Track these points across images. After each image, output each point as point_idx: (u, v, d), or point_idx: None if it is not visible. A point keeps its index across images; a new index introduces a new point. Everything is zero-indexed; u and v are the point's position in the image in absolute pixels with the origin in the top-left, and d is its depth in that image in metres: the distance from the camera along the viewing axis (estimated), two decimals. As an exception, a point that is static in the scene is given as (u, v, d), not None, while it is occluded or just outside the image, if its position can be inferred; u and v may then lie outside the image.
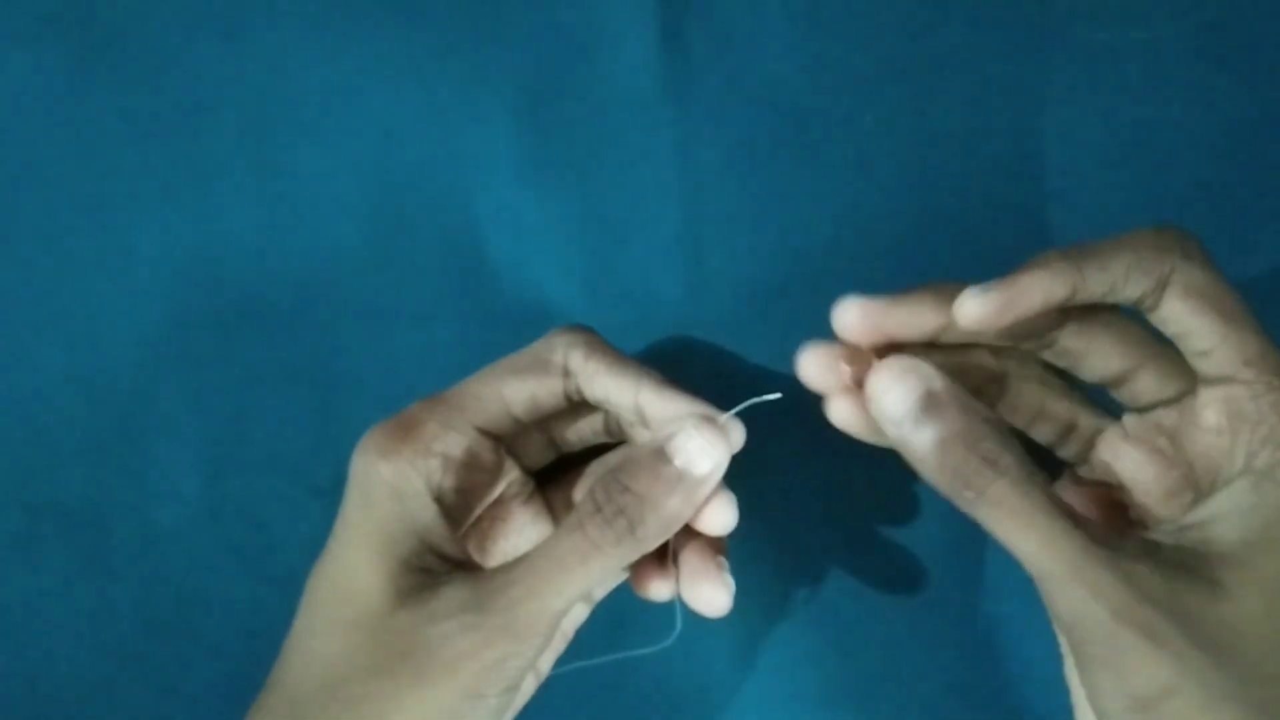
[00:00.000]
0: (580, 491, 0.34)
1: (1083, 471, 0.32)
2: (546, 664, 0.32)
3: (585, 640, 0.33)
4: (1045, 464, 0.33)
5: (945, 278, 0.28)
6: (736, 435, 0.29)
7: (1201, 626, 0.25)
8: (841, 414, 0.29)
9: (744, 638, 0.37)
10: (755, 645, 0.37)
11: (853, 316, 0.28)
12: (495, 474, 0.31)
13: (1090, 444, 0.31)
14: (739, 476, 0.29)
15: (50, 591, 0.38)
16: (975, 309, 0.26)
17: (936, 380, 0.27)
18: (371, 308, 0.37)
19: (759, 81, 0.37)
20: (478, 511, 0.32)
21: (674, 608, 0.30)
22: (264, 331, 0.38)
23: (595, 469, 0.34)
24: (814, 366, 0.28)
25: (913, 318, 0.28)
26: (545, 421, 0.32)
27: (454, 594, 0.27)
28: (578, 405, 0.31)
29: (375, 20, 0.37)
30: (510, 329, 0.36)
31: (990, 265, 0.28)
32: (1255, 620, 0.25)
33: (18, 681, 0.38)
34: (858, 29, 0.37)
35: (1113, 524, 0.30)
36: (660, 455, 0.28)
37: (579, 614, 0.33)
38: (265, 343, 0.38)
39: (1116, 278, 0.26)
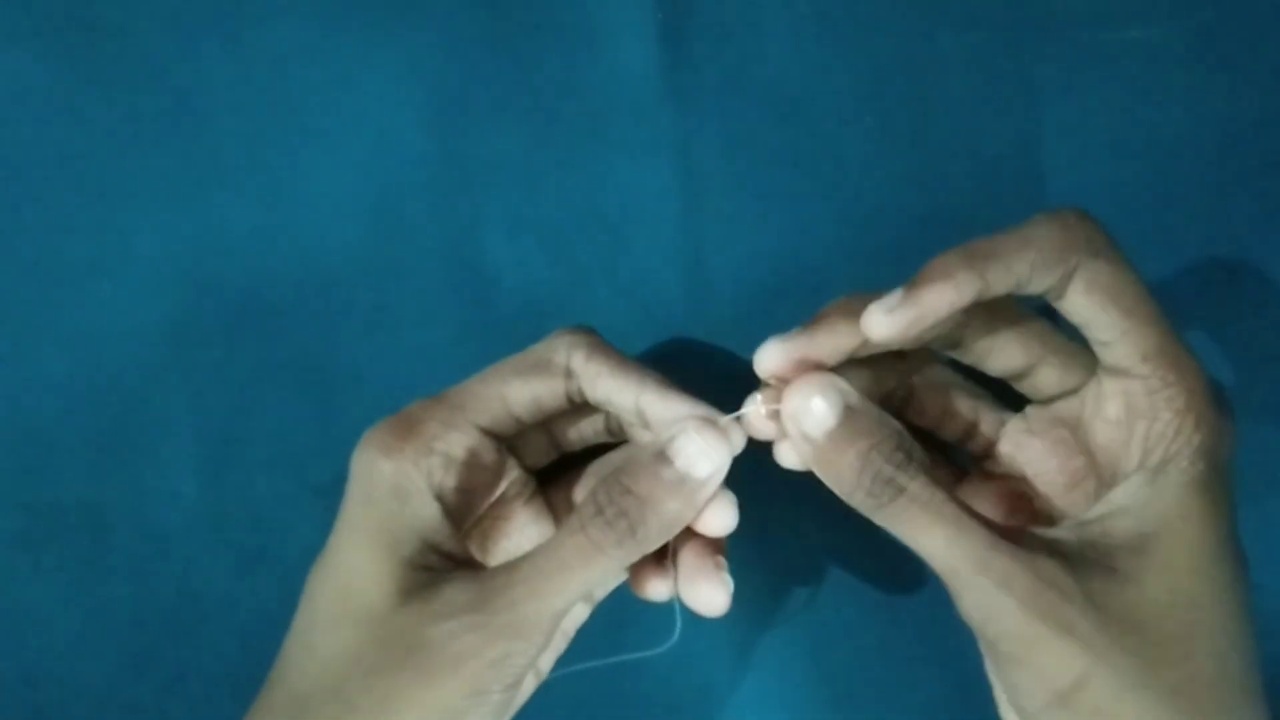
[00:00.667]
0: (581, 491, 0.34)
1: (988, 466, 0.32)
2: (547, 663, 0.32)
3: (585, 641, 0.33)
4: (953, 462, 0.34)
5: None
6: (737, 437, 0.29)
7: (1109, 613, 0.25)
8: (790, 456, 0.29)
9: (744, 638, 0.37)
10: (755, 646, 0.37)
11: (774, 356, 0.28)
12: (497, 473, 0.32)
13: (994, 438, 0.32)
14: (739, 477, 0.29)
15: (50, 591, 0.38)
16: (883, 327, 0.27)
17: (852, 395, 0.28)
18: (371, 308, 0.37)
19: (759, 81, 0.37)
20: (479, 511, 0.32)
21: (673, 610, 0.31)
22: (264, 331, 0.38)
23: (596, 469, 0.34)
24: (761, 420, 0.29)
25: (832, 342, 0.28)
26: (547, 422, 0.32)
27: (457, 592, 0.27)
28: (579, 406, 0.31)
29: (375, 20, 0.37)
30: (510, 329, 0.36)
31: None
32: (1160, 605, 0.26)
33: (18, 681, 0.38)
34: (858, 29, 0.37)
35: (1020, 518, 0.31)
36: (661, 457, 0.28)
37: (580, 614, 0.33)
38: (265, 343, 0.38)
39: (1020, 277, 0.27)
